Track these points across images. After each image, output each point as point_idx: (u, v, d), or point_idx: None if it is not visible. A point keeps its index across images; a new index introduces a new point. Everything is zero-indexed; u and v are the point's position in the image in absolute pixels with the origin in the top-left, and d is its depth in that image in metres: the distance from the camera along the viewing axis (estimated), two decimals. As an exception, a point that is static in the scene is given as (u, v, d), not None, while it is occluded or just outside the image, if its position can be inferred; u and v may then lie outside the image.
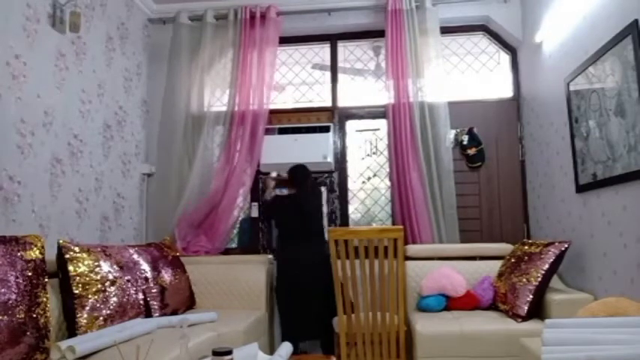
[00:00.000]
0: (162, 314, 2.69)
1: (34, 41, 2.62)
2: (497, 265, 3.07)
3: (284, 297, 3.24)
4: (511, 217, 3.73)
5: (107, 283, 2.31)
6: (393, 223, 3.71)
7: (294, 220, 3.31)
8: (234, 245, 3.89)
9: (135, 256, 2.69)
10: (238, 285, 3.27)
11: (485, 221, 3.75)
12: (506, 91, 3.90)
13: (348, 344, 2.81)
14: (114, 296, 2.32)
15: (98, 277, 2.27)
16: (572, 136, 2.84)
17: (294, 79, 4.20)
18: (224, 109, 3.79)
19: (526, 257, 2.78)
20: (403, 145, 3.59)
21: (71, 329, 2.12)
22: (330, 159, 3.77)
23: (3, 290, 1.78)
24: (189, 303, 3.09)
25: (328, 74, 4.08)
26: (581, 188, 2.78)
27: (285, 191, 3.76)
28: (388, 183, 3.90)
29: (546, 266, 2.62)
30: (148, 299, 2.63)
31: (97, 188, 3.21)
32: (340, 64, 4.09)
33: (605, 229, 2.52)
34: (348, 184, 3.96)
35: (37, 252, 1.97)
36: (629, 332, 1.67)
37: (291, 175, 3.42)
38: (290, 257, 3.27)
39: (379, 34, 3.84)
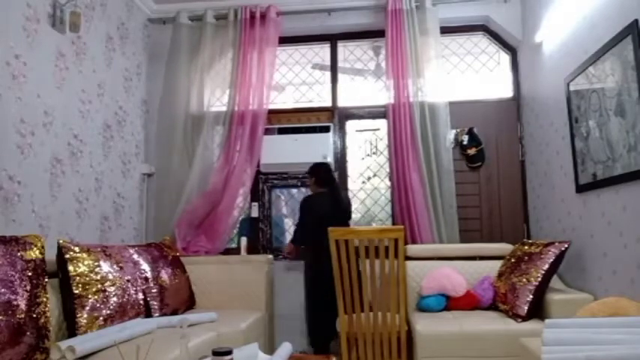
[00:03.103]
0: (163, 314, 2.69)
1: (34, 41, 2.62)
2: (497, 265, 3.07)
3: (326, 298, 3.13)
4: (511, 217, 3.73)
5: (107, 283, 2.31)
6: (393, 223, 3.72)
7: (330, 217, 3.17)
8: (234, 245, 3.89)
9: (135, 256, 2.69)
10: (238, 285, 3.27)
11: (485, 221, 3.75)
12: (506, 91, 3.90)
13: (349, 344, 2.81)
14: (114, 296, 2.32)
15: (98, 277, 2.27)
16: (572, 136, 2.84)
17: (294, 79, 4.20)
18: (224, 109, 3.79)
19: (526, 257, 2.78)
20: (403, 145, 3.59)
21: (71, 329, 2.12)
22: (330, 159, 3.77)
23: (3, 290, 1.78)
24: (189, 303, 3.09)
25: (328, 74, 4.08)
26: (581, 188, 2.78)
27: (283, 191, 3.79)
28: (388, 183, 3.90)
29: (546, 266, 2.62)
30: (148, 299, 2.63)
31: (97, 188, 3.21)
32: (340, 64, 4.09)
33: (605, 229, 2.51)
34: (348, 184, 3.96)
35: (37, 252, 1.97)
36: (629, 332, 1.67)
37: (319, 174, 3.47)
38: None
39: (379, 34, 3.84)
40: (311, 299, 3.37)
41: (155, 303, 2.67)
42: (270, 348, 3.19)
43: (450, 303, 2.95)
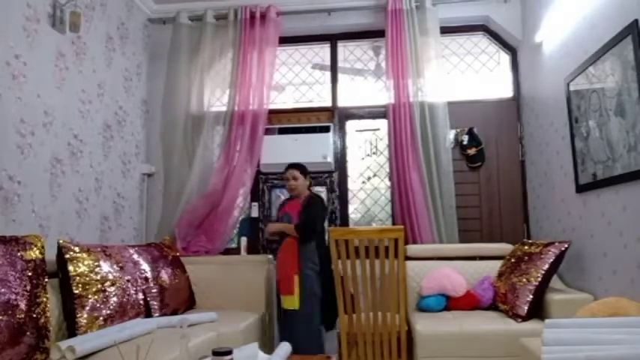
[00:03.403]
0: (163, 314, 2.69)
1: (34, 41, 2.62)
2: (497, 265, 3.07)
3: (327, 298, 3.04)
4: (511, 217, 3.73)
5: (107, 283, 2.31)
6: (393, 223, 3.71)
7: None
8: (234, 245, 3.89)
9: (135, 256, 2.69)
10: (238, 285, 3.27)
11: (485, 221, 3.74)
12: (506, 91, 3.90)
13: (349, 344, 2.81)
14: (114, 296, 2.32)
15: (98, 277, 2.27)
16: (572, 136, 2.84)
17: (294, 79, 4.20)
18: (224, 109, 3.79)
19: (526, 257, 2.78)
20: (403, 145, 3.59)
21: (71, 329, 2.12)
22: (330, 159, 3.77)
23: (3, 290, 1.78)
24: (189, 303, 3.09)
25: (328, 74, 4.08)
26: (581, 188, 2.78)
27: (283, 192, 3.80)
28: (388, 183, 3.90)
29: (546, 266, 2.62)
30: (148, 299, 2.63)
31: (97, 188, 3.21)
32: (340, 64, 4.09)
33: (605, 229, 2.51)
34: (348, 184, 3.95)
35: (37, 252, 1.97)
36: (629, 332, 1.67)
37: (306, 172, 3.27)
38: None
39: (379, 34, 3.84)
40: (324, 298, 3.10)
41: (155, 303, 2.67)
42: (270, 348, 3.19)
43: (450, 303, 2.95)
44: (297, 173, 3.22)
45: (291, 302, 3.02)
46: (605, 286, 2.50)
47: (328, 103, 4.03)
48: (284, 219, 3.22)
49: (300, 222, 3.10)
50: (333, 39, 4.07)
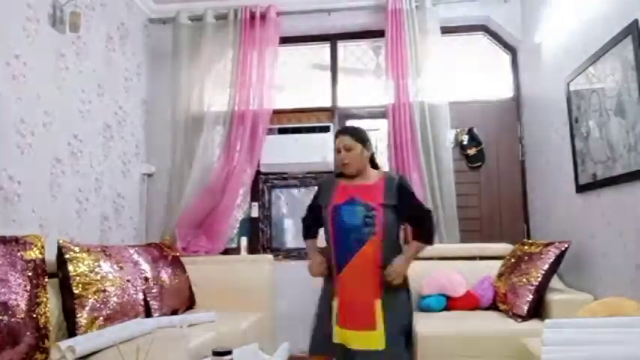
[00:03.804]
0: (162, 314, 2.69)
1: (34, 41, 2.62)
2: (497, 265, 3.07)
3: None
4: (511, 217, 3.72)
5: (107, 283, 2.31)
6: (393, 223, 3.71)
7: None
8: (234, 245, 3.89)
9: (135, 256, 2.69)
10: (238, 285, 3.26)
11: (485, 221, 3.74)
12: (506, 91, 3.90)
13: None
14: (114, 296, 2.32)
15: (98, 277, 2.27)
16: (572, 136, 2.84)
17: (294, 79, 4.19)
18: (224, 109, 3.78)
19: (526, 257, 2.78)
20: (403, 145, 3.59)
21: (71, 329, 2.12)
22: (330, 159, 3.77)
23: (3, 290, 1.78)
24: (189, 303, 3.10)
25: (328, 74, 4.08)
26: (581, 188, 2.78)
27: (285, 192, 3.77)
28: (388, 183, 3.90)
29: (546, 266, 2.62)
30: (148, 299, 2.63)
31: (97, 188, 3.21)
32: (340, 64, 4.09)
33: (605, 229, 2.51)
34: (348, 184, 3.94)
35: (37, 252, 1.98)
36: (629, 332, 1.67)
37: (364, 138, 2.29)
38: None
39: (379, 34, 3.84)
40: None
41: (155, 303, 2.67)
42: (270, 348, 3.18)
43: (450, 303, 2.95)
44: (349, 141, 2.21)
45: (370, 341, 2.07)
46: (605, 286, 2.50)
47: (328, 103, 4.02)
48: (351, 208, 2.15)
49: (425, 220, 2.25)
50: (333, 39, 4.07)
